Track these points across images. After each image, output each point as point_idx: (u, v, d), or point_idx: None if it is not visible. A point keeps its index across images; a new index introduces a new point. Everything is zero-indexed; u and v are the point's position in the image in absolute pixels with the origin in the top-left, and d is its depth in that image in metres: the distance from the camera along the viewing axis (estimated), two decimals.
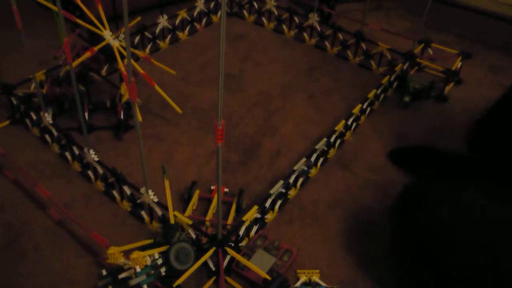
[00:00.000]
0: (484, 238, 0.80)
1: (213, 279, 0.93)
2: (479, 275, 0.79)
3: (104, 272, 0.88)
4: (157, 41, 1.58)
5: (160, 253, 0.87)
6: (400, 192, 0.92)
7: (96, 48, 1.15)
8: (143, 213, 1.03)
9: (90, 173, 1.11)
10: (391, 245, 0.96)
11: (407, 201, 0.90)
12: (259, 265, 0.92)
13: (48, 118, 1.15)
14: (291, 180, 1.07)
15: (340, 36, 1.59)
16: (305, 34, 1.68)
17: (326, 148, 1.18)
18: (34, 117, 1.20)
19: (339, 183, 1.16)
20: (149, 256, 0.86)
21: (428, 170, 1.17)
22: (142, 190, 0.98)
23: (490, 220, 0.81)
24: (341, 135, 1.24)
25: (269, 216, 1.05)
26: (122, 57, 1.15)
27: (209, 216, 1.04)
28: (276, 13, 1.73)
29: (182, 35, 1.67)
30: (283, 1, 1.83)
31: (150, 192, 0.97)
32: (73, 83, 0.95)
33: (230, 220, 1.03)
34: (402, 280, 0.93)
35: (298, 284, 0.92)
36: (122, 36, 1.24)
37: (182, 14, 1.64)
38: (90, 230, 0.98)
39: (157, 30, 1.57)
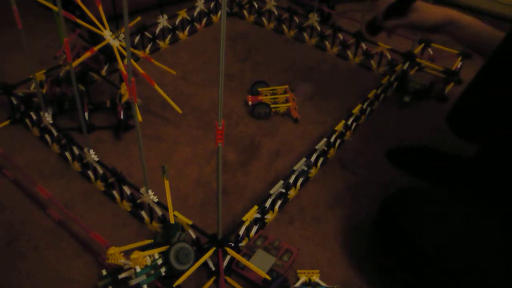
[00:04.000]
0: (460, 245, 0.82)
1: (213, 279, 0.93)
2: (456, 279, 0.82)
3: (104, 272, 0.89)
4: (157, 41, 1.58)
5: (160, 253, 0.87)
6: (383, 200, 0.94)
7: (96, 48, 1.15)
8: (143, 213, 1.03)
9: (90, 173, 1.11)
10: (375, 247, 0.98)
11: (388, 208, 0.92)
12: (259, 265, 0.92)
13: (48, 118, 1.15)
14: (291, 180, 1.07)
15: (340, 36, 1.59)
16: (305, 34, 1.68)
17: (326, 148, 1.18)
18: (34, 117, 1.20)
19: (339, 183, 1.16)
20: (149, 256, 0.86)
21: (425, 170, 1.17)
22: (142, 190, 0.98)
23: (467, 228, 0.84)
24: (341, 135, 1.24)
25: (269, 216, 1.05)
26: (122, 57, 1.15)
27: None
28: (276, 13, 1.73)
29: (182, 35, 1.67)
30: (283, 1, 1.83)
31: (150, 192, 0.97)
32: (73, 83, 0.95)
33: None
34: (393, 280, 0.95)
35: (298, 284, 0.92)
36: (122, 36, 1.24)
37: (182, 14, 1.64)
38: (90, 230, 0.98)
39: (157, 30, 1.57)
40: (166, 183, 0.96)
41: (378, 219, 0.93)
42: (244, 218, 0.96)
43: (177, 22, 1.63)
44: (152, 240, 0.93)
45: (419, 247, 0.84)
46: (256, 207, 0.98)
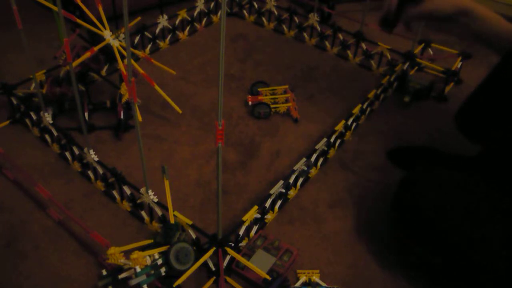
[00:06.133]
0: (472, 218, 0.85)
1: (213, 279, 0.93)
2: (470, 250, 0.84)
3: (104, 272, 0.89)
4: (157, 41, 1.58)
5: (160, 253, 0.87)
6: (403, 178, 0.96)
7: (96, 48, 1.15)
8: (143, 213, 1.03)
9: (90, 173, 1.11)
10: (392, 221, 1.01)
11: (409, 184, 0.94)
12: (259, 265, 0.92)
13: (48, 118, 1.15)
14: (291, 180, 1.07)
15: (340, 36, 1.59)
16: (305, 34, 1.68)
17: (326, 148, 1.18)
18: (34, 117, 1.20)
19: (339, 183, 1.16)
20: (149, 256, 0.86)
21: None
22: (142, 190, 0.98)
23: (479, 205, 0.87)
24: (341, 135, 1.24)
25: (269, 216, 1.05)
26: (122, 57, 1.15)
27: None
28: (276, 13, 1.73)
29: (182, 35, 1.67)
30: (283, 1, 1.83)
31: (150, 192, 0.97)
32: (73, 83, 0.95)
33: None
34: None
35: (298, 284, 0.92)
36: (122, 36, 1.24)
37: (182, 14, 1.64)
38: (90, 230, 0.98)
39: (157, 30, 1.57)
40: (166, 183, 0.96)
41: (397, 197, 0.95)
42: (244, 218, 0.96)
43: (177, 22, 1.63)
44: (152, 240, 0.93)
45: (439, 222, 0.86)
46: (256, 207, 0.98)
